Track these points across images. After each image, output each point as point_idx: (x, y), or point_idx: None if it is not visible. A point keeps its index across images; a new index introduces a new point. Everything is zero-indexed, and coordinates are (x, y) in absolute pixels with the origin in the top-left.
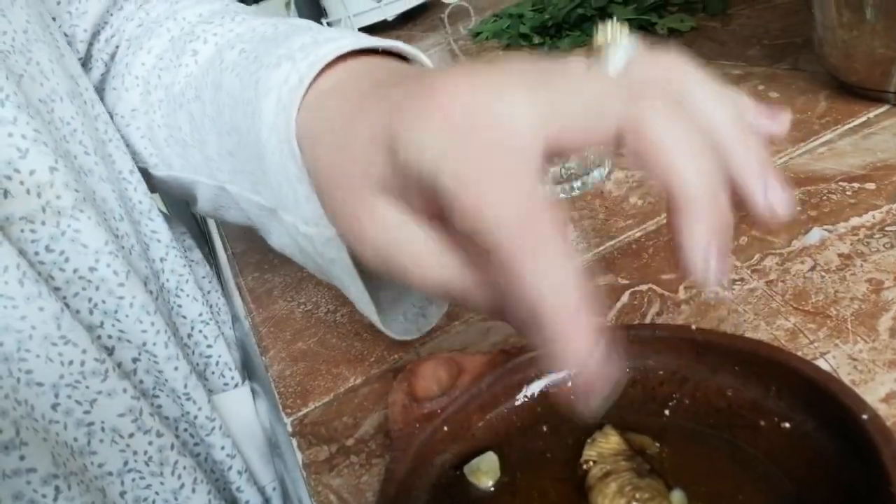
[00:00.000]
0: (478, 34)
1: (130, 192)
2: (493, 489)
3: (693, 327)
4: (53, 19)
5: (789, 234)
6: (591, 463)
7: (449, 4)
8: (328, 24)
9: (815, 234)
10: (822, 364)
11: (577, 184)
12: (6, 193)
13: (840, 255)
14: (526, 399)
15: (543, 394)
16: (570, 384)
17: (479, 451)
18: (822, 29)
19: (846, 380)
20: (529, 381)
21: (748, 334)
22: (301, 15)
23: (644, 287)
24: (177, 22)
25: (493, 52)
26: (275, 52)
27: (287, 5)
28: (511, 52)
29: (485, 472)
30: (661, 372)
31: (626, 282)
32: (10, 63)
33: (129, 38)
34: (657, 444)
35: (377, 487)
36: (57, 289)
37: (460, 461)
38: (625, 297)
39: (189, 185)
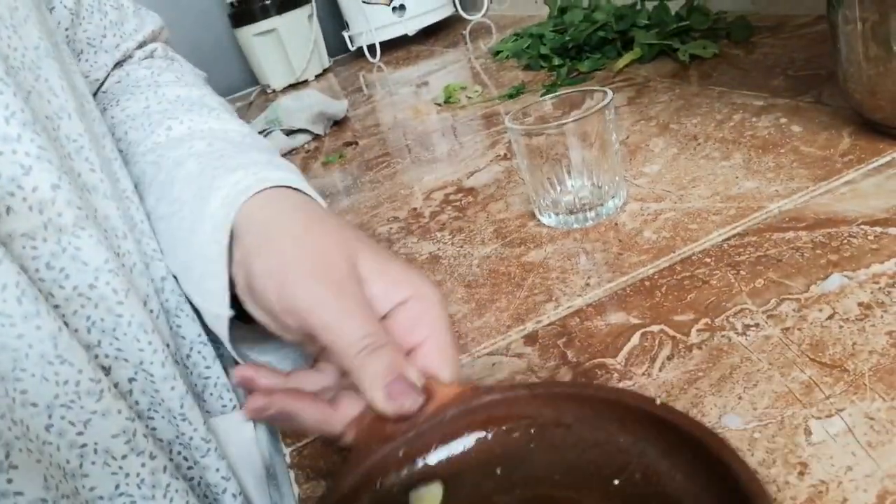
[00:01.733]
0: (497, 53)
1: (133, 210)
2: None
3: (658, 401)
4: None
5: (808, 278)
6: None
7: (470, 21)
8: (349, 37)
9: (835, 281)
10: (837, 422)
11: (591, 214)
12: (9, 210)
13: (860, 304)
14: (486, 438)
15: (504, 437)
16: (532, 431)
17: (431, 479)
18: (846, 63)
19: (862, 440)
20: (493, 422)
21: (761, 385)
22: (323, 27)
23: (656, 328)
24: (156, 95)
25: (513, 72)
26: (237, 158)
27: (310, 18)
28: (530, 73)
29: (428, 502)
30: (620, 438)
31: (638, 321)
32: (20, 79)
33: (106, 90)
34: None
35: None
36: (56, 306)
37: (409, 485)
38: (635, 338)
39: None
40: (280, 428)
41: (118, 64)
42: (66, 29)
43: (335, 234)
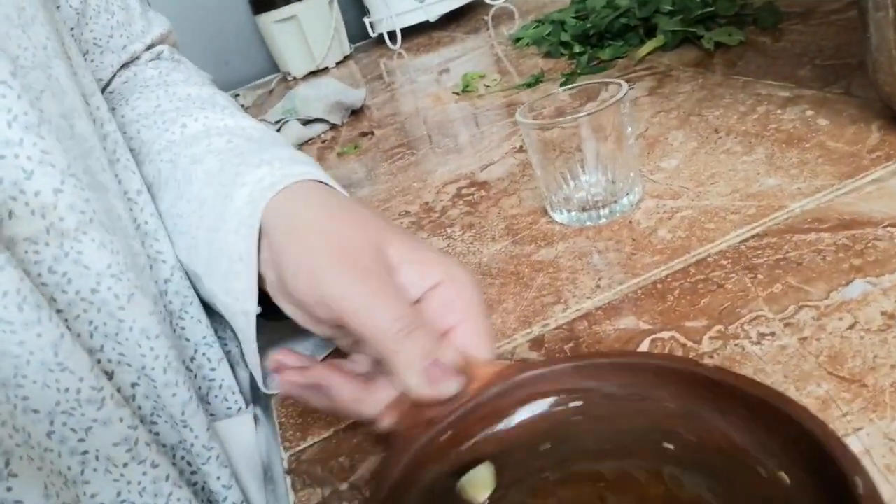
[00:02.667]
0: (518, 39)
1: (136, 212)
2: (486, 502)
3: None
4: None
5: (828, 284)
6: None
7: (493, 6)
8: (370, 23)
9: (857, 287)
10: (854, 442)
11: (604, 211)
12: (11, 214)
13: (883, 314)
14: (532, 415)
15: (550, 412)
16: (577, 404)
17: (478, 461)
18: (876, 52)
19: (880, 463)
20: (537, 398)
21: None
22: (344, 14)
23: (666, 334)
24: (167, 94)
25: (533, 59)
26: (258, 155)
27: (330, 4)
28: (550, 60)
29: (479, 485)
30: (668, 404)
31: (648, 327)
32: (31, 79)
33: (113, 90)
34: None
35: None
36: (59, 311)
37: (458, 469)
38: (645, 345)
39: None
40: (280, 429)
41: (125, 65)
42: (72, 29)
43: (363, 222)
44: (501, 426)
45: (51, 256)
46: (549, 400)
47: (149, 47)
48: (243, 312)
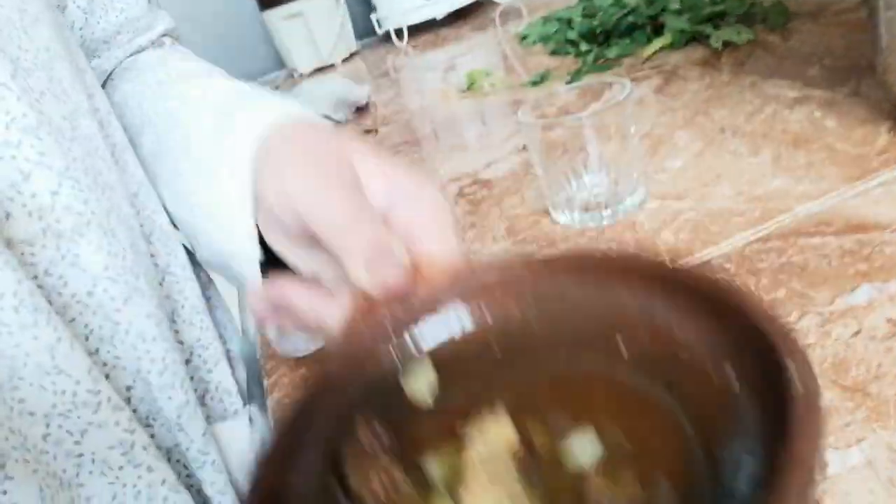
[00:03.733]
0: (525, 37)
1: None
2: (430, 404)
3: (668, 262)
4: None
5: (833, 289)
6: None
7: (500, 4)
8: (377, 20)
9: (863, 293)
10: (856, 454)
11: (607, 212)
12: (8, 216)
13: (889, 321)
14: (482, 315)
15: (500, 308)
16: (530, 304)
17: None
18: (886, 52)
19: (882, 476)
20: (488, 297)
21: None
22: (351, 10)
23: None
24: (166, 69)
25: (539, 57)
26: (256, 100)
27: (337, 1)
28: (557, 58)
29: (422, 384)
30: (624, 300)
31: None
32: (32, 81)
33: (114, 76)
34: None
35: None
36: (56, 313)
37: (403, 371)
38: None
39: None
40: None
41: (128, 56)
42: (80, 28)
43: (333, 137)
44: (450, 326)
45: (47, 258)
46: (499, 296)
47: (153, 42)
48: (248, 260)
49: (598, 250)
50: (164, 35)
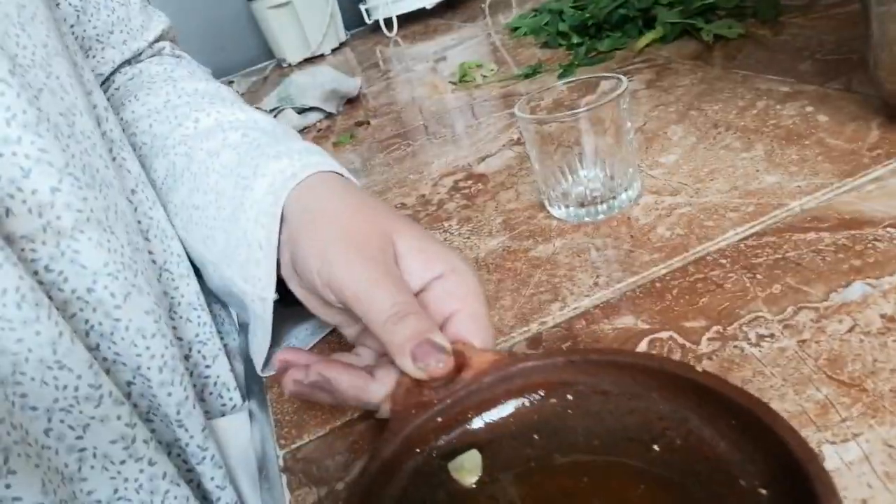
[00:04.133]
0: (516, 29)
1: (143, 208)
2: (474, 486)
3: (700, 369)
4: (71, 27)
5: (828, 285)
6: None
7: None
8: (366, 10)
9: (857, 289)
10: (853, 448)
11: (602, 207)
12: (8, 212)
13: (883, 317)
14: (524, 405)
15: (542, 404)
16: (569, 398)
17: (469, 447)
18: (878, 48)
19: (879, 470)
20: (530, 389)
21: (774, 403)
22: (339, 1)
23: (665, 335)
24: (175, 90)
25: (531, 49)
26: (275, 147)
27: None
28: (548, 51)
29: (468, 469)
30: (659, 406)
31: (646, 326)
32: (30, 77)
33: (119, 87)
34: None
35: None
36: (56, 309)
37: (448, 453)
38: (643, 345)
39: None
40: (276, 426)
41: (127, 62)
42: (72, 26)
43: (374, 213)
44: (493, 415)
45: (47, 255)
46: (542, 392)
47: (150, 44)
48: (261, 298)
49: (637, 353)
50: (160, 38)
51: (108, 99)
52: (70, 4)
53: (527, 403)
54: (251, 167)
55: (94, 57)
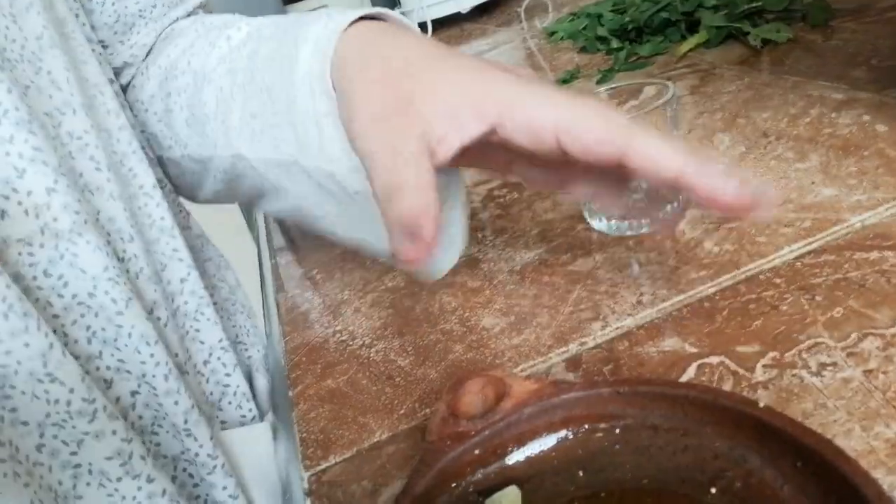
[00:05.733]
0: (553, 33)
1: (151, 207)
2: None
3: (761, 404)
4: (77, 17)
5: (894, 310)
6: None
7: None
8: (401, 14)
9: None
10: None
11: (645, 220)
12: (3, 214)
13: None
14: (567, 438)
15: (586, 437)
16: (617, 432)
17: (508, 482)
18: None
19: None
20: (574, 421)
21: (839, 440)
22: (374, 4)
23: (715, 359)
24: (203, 25)
25: (568, 54)
26: (307, 20)
27: None
28: (586, 55)
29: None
30: (715, 444)
31: (695, 350)
32: (18, 73)
33: (153, 48)
34: None
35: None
36: (55, 316)
37: (485, 488)
38: (691, 370)
39: (201, 163)
40: (301, 445)
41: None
42: (114, 3)
43: (408, 75)
44: (534, 447)
45: (46, 258)
46: (587, 425)
47: (188, 14)
48: (349, 169)
49: (690, 385)
50: (198, 8)
51: (145, 59)
52: None
53: (570, 437)
54: (292, 44)
55: (138, 33)
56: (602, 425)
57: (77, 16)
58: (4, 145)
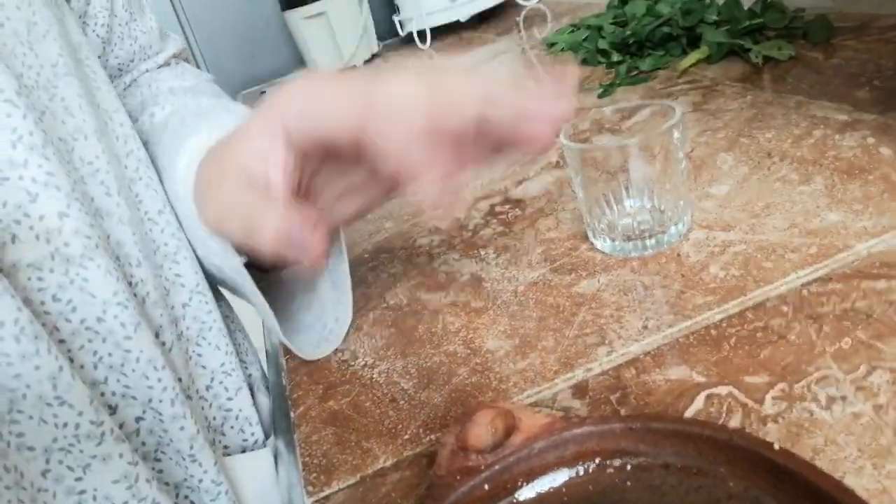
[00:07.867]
0: (552, 44)
1: (156, 233)
2: None
3: (776, 446)
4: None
5: None
6: None
7: (524, 7)
8: (400, 22)
9: None
10: None
11: (650, 241)
12: (14, 238)
13: None
14: (578, 475)
15: (598, 474)
16: (628, 469)
17: None
18: None
19: None
20: (585, 457)
21: (850, 478)
22: (373, 11)
23: (723, 390)
24: (185, 106)
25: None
26: (198, 123)
27: (360, 1)
28: (587, 68)
29: None
30: (731, 484)
31: (703, 379)
32: (34, 99)
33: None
34: None
35: None
36: (62, 340)
37: None
38: (699, 401)
39: None
40: (303, 469)
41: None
42: (99, 56)
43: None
44: (545, 483)
45: (55, 283)
46: (598, 460)
47: (160, 66)
48: (232, 268)
49: (704, 423)
50: (174, 56)
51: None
52: (97, 36)
53: (581, 472)
54: (175, 151)
55: (116, 86)
56: (614, 461)
57: (98, 56)
58: (18, 170)
